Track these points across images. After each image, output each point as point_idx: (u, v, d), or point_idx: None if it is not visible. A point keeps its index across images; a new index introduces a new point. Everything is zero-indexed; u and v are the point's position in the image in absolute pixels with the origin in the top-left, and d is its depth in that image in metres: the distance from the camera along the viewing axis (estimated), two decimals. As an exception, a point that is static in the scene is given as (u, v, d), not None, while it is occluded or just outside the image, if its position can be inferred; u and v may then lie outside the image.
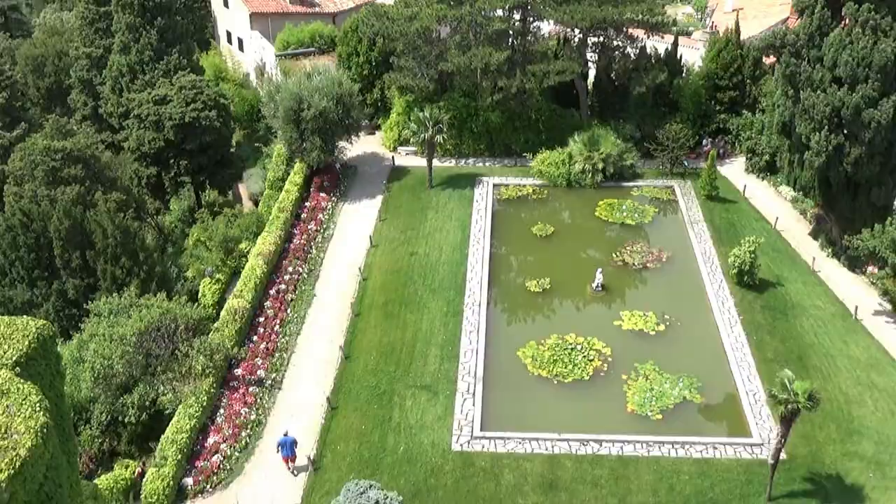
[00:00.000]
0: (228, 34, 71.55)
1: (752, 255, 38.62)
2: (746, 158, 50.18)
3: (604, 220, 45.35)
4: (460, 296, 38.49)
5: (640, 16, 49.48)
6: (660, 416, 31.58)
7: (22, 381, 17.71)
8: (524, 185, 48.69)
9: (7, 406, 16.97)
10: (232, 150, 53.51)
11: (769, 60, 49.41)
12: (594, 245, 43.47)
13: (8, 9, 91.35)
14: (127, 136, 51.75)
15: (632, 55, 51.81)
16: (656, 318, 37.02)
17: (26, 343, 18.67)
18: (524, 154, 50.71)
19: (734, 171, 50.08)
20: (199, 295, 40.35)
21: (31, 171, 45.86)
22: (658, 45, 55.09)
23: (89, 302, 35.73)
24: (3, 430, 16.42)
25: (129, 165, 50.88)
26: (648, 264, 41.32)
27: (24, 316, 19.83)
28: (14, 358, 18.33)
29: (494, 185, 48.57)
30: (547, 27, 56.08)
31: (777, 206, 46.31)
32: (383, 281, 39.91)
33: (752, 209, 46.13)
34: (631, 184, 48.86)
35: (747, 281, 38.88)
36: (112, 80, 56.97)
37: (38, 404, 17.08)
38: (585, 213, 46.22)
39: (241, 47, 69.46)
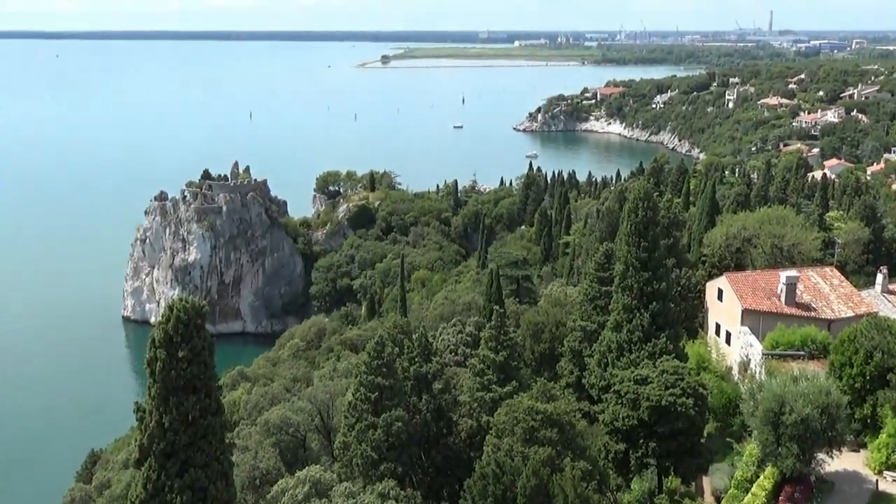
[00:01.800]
0: (717, 326, 72.43)
1: None
2: None
3: None
4: None
5: None
6: None
7: None
8: None
9: None
10: (702, 440, 52.86)
11: None
12: None
13: (522, 278, 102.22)
14: (603, 410, 53.73)
15: None
16: None
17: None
18: None
19: None
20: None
21: (511, 427, 49.15)
22: None
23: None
24: None
25: (600, 438, 52.45)
26: None
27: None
28: None
29: None
30: None
31: None
32: None
33: None
34: None
35: None
36: (600, 355, 60.20)
37: None
38: None
39: (727, 340, 69.76)
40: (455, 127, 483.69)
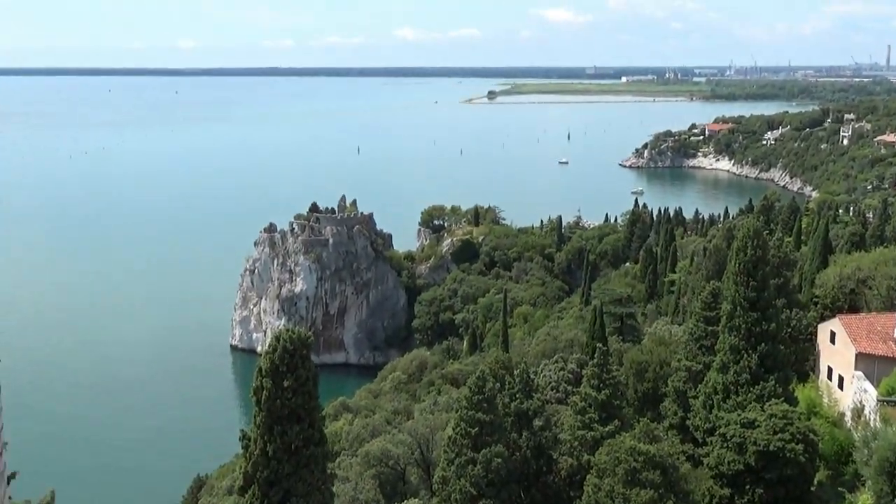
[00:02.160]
0: (829, 370, 69.98)
1: None
2: None
3: None
4: None
5: None
6: None
7: None
8: None
9: None
10: (812, 488, 51.07)
11: None
12: None
13: (625, 315, 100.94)
14: (708, 453, 52.40)
15: None
16: None
17: None
18: None
19: None
20: None
21: (613, 467, 48.34)
22: None
23: None
24: None
25: (704, 482, 51.12)
26: None
27: None
28: None
29: None
30: None
31: None
32: None
33: None
34: None
35: None
36: (705, 396, 58.81)
37: None
38: None
39: (840, 385, 67.29)
40: (560, 162, 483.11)
